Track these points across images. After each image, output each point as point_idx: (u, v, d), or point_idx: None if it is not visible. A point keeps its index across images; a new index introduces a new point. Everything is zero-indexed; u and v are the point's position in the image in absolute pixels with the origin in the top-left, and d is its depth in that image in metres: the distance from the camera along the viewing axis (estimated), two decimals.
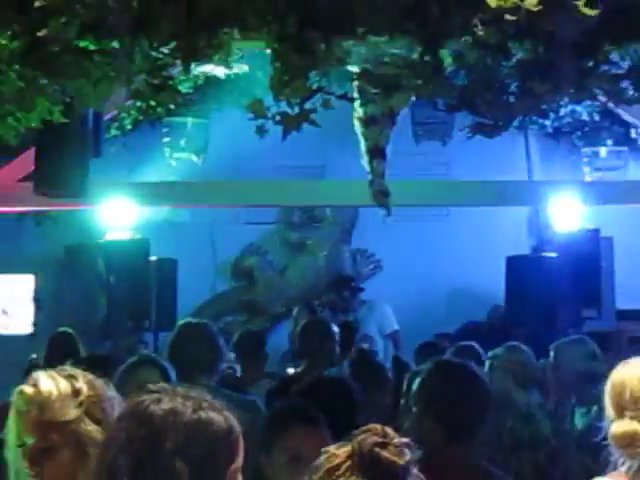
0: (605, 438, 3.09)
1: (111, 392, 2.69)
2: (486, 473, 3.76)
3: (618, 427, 2.98)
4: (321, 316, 9.04)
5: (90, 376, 2.67)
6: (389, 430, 2.00)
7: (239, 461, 2.16)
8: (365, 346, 8.32)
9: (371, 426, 2.02)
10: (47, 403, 2.52)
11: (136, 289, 7.69)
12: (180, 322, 5.42)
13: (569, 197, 7.81)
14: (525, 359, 5.84)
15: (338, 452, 2.00)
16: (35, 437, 2.50)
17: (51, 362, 6.21)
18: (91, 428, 2.53)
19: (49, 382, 2.56)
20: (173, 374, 4.80)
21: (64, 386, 2.56)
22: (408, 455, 1.95)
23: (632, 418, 2.99)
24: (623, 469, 2.99)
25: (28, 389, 2.54)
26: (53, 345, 6.75)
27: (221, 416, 2.12)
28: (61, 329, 7.23)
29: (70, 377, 2.61)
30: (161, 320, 8.16)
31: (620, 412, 3.02)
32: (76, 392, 2.56)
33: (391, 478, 1.93)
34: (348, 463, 1.96)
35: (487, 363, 5.86)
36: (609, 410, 3.10)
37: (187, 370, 4.98)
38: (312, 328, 6.93)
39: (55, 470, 2.51)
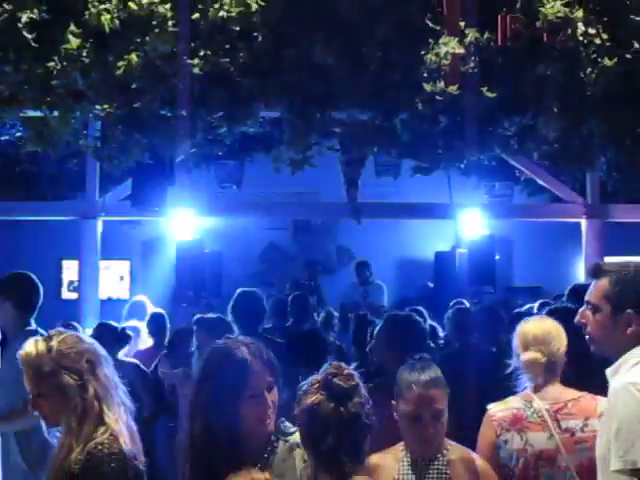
0: (512, 371, 3.27)
1: (84, 345, 2.66)
2: None
3: (525, 356, 3.13)
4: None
5: (65, 335, 2.66)
6: (344, 365, 2.41)
7: (254, 387, 2.45)
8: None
9: (334, 363, 2.44)
10: (30, 361, 2.58)
11: (195, 271, 8.28)
12: (238, 291, 5.42)
13: (474, 213, 8.61)
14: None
15: (313, 379, 2.35)
16: (30, 387, 2.57)
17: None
18: (66, 376, 2.54)
19: (31, 345, 2.60)
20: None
21: (40, 347, 2.59)
22: (354, 381, 2.33)
23: (533, 350, 3.13)
24: (529, 389, 3.15)
25: (20, 352, 2.62)
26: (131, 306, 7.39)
27: (245, 351, 2.47)
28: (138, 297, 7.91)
29: (47, 338, 2.63)
30: (211, 291, 8.85)
31: (526, 348, 3.17)
32: (49, 350, 2.57)
33: (343, 396, 2.29)
34: (316, 386, 2.31)
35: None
36: (518, 349, 3.23)
37: (244, 323, 5.03)
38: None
39: (49, 411, 2.58)
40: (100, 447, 2.49)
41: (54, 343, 2.59)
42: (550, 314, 3.57)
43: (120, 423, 2.59)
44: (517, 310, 6.14)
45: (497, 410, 3.12)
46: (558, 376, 3.22)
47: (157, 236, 9.56)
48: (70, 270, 9.90)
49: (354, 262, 10.83)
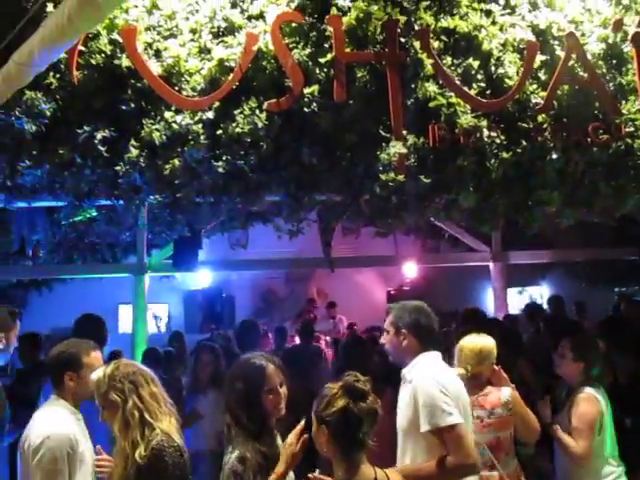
0: None
1: (130, 369, 2.60)
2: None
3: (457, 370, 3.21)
4: None
5: (119, 362, 2.64)
6: (359, 374, 2.39)
7: (270, 384, 2.52)
8: None
9: (351, 372, 2.41)
10: (94, 384, 2.60)
11: (215, 309, 8.23)
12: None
13: (413, 262, 8.79)
14: None
15: (334, 385, 2.36)
16: (98, 402, 2.59)
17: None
18: (113, 394, 2.52)
19: (96, 372, 2.64)
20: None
21: (100, 373, 2.60)
22: (368, 384, 2.35)
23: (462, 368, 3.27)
24: None
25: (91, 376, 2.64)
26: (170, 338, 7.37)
27: (263, 360, 2.59)
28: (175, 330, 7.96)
29: (107, 366, 2.62)
30: (227, 324, 8.81)
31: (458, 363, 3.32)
32: (104, 375, 2.58)
33: (362, 397, 2.29)
34: (340, 391, 2.31)
35: None
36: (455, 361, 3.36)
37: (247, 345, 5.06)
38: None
39: (109, 419, 2.55)
40: (161, 442, 2.46)
41: (108, 370, 2.60)
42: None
43: (169, 425, 2.55)
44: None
45: None
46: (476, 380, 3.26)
47: (187, 286, 9.57)
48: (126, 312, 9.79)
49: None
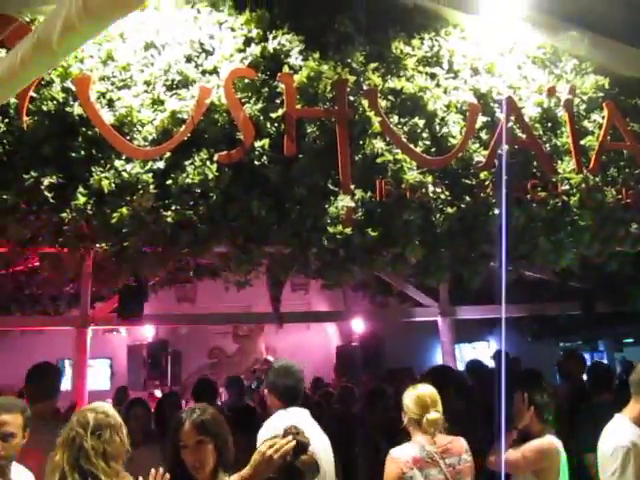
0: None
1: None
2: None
3: (431, 416, 3.22)
4: None
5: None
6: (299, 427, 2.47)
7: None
8: None
9: (292, 425, 2.48)
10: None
11: (160, 365, 8.01)
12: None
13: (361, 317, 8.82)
14: None
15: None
16: None
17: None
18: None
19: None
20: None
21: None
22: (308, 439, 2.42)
23: (434, 411, 3.25)
24: (420, 438, 3.21)
25: None
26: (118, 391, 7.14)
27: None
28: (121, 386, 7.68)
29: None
30: (173, 380, 8.57)
31: (426, 409, 3.26)
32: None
33: (303, 451, 2.35)
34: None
35: None
36: (415, 409, 3.28)
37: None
38: None
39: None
40: None
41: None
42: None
43: None
44: None
45: (400, 454, 3.14)
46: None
47: (132, 340, 9.34)
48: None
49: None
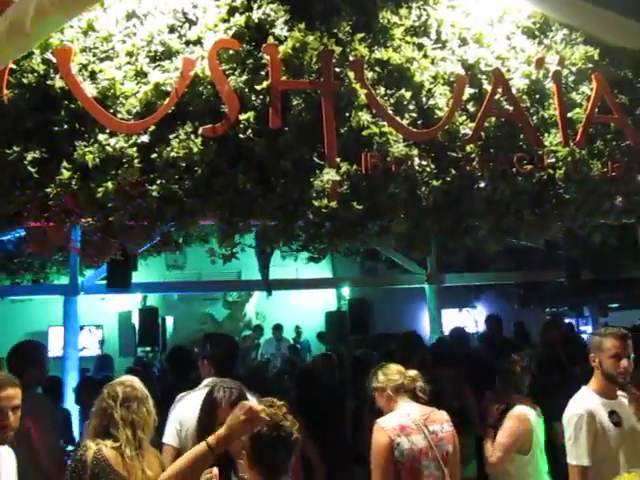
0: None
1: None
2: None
3: (410, 372, 3.35)
4: None
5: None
6: (275, 400, 2.41)
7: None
8: None
9: (268, 398, 2.45)
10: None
11: (151, 330, 8.07)
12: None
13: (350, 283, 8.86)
14: None
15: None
16: None
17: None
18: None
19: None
20: None
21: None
22: (285, 409, 2.36)
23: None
24: (403, 407, 3.26)
25: None
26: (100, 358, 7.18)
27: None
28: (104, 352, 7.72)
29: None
30: (162, 347, 8.67)
31: (402, 373, 3.35)
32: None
33: (274, 423, 2.28)
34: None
35: None
36: (398, 378, 3.34)
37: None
38: None
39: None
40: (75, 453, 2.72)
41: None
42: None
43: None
44: None
45: (387, 422, 3.19)
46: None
47: (123, 307, 9.37)
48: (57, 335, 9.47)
49: (267, 323, 10.92)
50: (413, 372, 3.37)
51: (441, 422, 3.27)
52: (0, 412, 2.65)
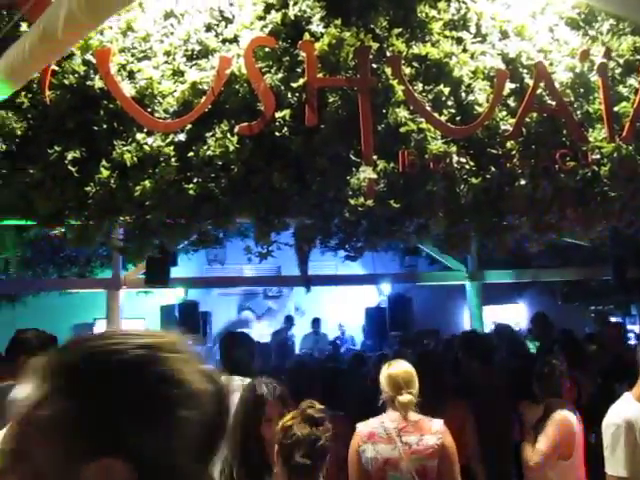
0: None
1: None
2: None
3: (402, 398, 3.12)
4: None
5: None
6: (316, 403, 2.36)
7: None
8: None
9: (310, 401, 2.38)
10: None
11: (191, 321, 8.19)
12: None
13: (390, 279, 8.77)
14: None
15: (291, 413, 2.34)
16: None
17: None
18: None
19: None
20: None
21: None
22: (322, 414, 2.31)
23: (406, 393, 3.13)
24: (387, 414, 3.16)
25: None
26: None
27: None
28: None
29: None
30: (204, 334, 8.77)
31: (398, 390, 3.15)
32: None
33: (311, 422, 2.27)
34: (294, 414, 2.31)
35: None
36: (387, 388, 3.18)
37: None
38: None
39: None
40: None
41: None
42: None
43: None
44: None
45: (361, 428, 3.15)
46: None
47: (166, 300, 9.47)
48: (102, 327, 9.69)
49: (306, 318, 10.90)
50: (406, 398, 3.13)
51: (421, 433, 3.08)
52: None
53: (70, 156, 4.14)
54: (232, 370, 3.70)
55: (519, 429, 3.90)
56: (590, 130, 4.76)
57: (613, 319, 9.47)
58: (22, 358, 3.33)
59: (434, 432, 3.11)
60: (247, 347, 3.97)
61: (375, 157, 4.37)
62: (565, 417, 3.63)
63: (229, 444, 2.47)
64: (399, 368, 3.23)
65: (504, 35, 4.83)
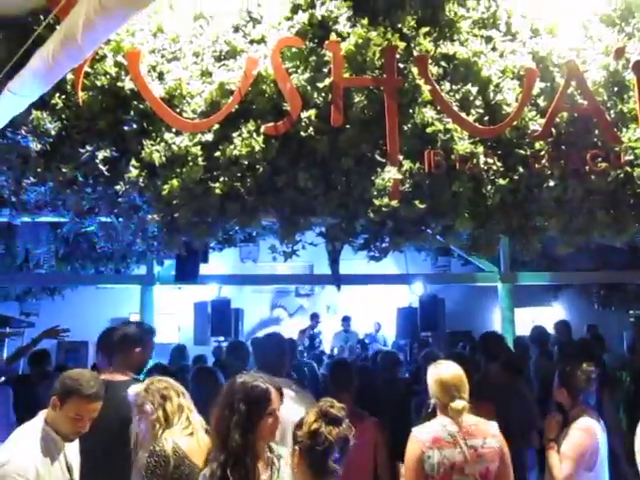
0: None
1: (160, 385, 2.86)
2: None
3: (455, 405, 3.04)
4: None
5: (154, 378, 2.93)
6: (335, 401, 2.41)
7: (272, 407, 2.48)
8: None
9: (327, 399, 2.43)
10: (132, 397, 2.91)
11: (224, 319, 8.27)
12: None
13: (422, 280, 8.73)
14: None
15: (312, 409, 2.42)
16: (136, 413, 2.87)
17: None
18: (147, 406, 2.81)
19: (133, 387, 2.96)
20: None
21: (137, 387, 2.93)
22: (343, 412, 2.38)
23: (459, 399, 3.07)
24: (442, 417, 3.10)
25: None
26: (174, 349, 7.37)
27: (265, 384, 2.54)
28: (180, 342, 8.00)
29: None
30: (234, 335, 8.86)
31: (451, 398, 3.07)
32: (141, 389, 2.87)
33: (334, 422, 2.32)
34: (314, 414, 2.36)
35: None
36: (439, 395, 3.11)
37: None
38: None
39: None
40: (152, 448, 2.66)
41: (144, 385, 2.87)
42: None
43: (178, 434, 2.71)
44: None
45: (421, 433, 3.07)
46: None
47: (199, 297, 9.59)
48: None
49: (337, 317, 10.90)
50: (460, 405, 3.07)
51: (484, 436, 3.06)
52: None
53: (101, 155, 4.26)
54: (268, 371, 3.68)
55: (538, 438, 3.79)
56: (624, 130, 4.62)
57: None
58: (136, 351, 3.61)
59: (493, 435, 3.09)
60: (282, 348, 3.95)
61: (401, 157, 4.35)
62: (589, 426, 3.50)
63: (229, 444, 2.46)
64: (449, 372, 3.16)
65: (535, 33, 4.73)
